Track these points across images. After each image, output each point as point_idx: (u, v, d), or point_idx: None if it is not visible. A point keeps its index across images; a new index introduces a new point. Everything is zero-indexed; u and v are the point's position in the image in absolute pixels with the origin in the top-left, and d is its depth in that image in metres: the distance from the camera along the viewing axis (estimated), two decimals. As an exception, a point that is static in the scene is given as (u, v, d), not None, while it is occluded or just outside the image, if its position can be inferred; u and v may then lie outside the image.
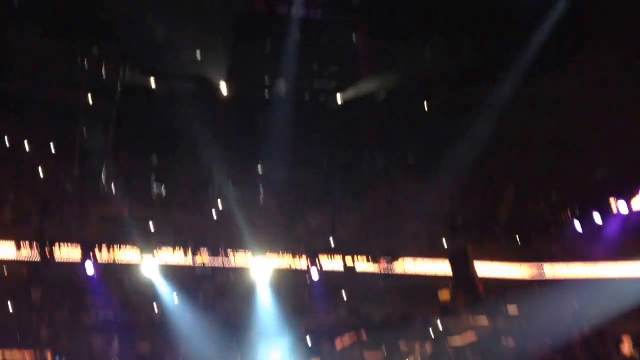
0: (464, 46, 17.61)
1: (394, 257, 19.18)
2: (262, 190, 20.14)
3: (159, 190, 19.03)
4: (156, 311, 17.86)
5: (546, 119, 18.27)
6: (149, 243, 17.96)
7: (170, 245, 18.25)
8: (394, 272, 18.94)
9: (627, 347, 15.99)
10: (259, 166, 20.07)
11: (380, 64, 18.63)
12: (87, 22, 16.24)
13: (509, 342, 16.98)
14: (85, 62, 16.06)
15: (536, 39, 16.37)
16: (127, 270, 17.65)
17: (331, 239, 19.83)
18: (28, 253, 16.71)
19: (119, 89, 16.79)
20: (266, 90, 18.45)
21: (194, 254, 18.28)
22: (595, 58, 16.63)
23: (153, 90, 17.12)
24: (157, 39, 16.87)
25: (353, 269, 18.48)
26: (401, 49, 18.82)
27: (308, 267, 18.50)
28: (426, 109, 18.14)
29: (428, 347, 17.04)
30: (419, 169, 20.45)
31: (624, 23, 15.83)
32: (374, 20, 19.49)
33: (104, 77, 16.29)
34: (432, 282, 19.26)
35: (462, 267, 18.88)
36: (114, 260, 17.42)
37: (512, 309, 18.06)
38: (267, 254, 18.35)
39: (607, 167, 17.75)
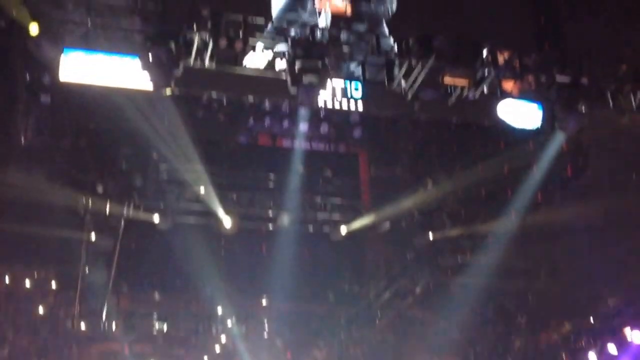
0: (467, 177, 17.72)
1: (404, 391, 18.66)
2: (266, 324, 19.81)
3: (160, 326, 18.71)
4: None
5: (554, 247, 18.15)
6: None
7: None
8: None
9: None
10: (263, 299, 19.84)
11: (383, 195, 18.68)
12: (90, 161, 16.53)
13: None
14: (89, 200, 16.15)
15: (537, 168, 16.48)
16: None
17: (338, 373, 19.36)
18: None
19: (122, 225, 16.84)
20: (270, 223, 18.39)
21: (197, 391, 17.84)
22: (597, 183, 16.69)
23: (156, 225, 17.11)
24: (160, 175, 17.08)
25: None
26: (404, 179, 19.02)
27: (315, 403, 17.99)
28: (431, 238, 18.00)
29: None
30: (427, 299, 20.17)
31: (620, 148, 16.03)
32: (376, 152, 19.80)
33: (107, 213, 16.35)
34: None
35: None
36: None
37: None
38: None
39: (620, 296, 17.42)
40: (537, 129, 13.53)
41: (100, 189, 16.16)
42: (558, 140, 15.11)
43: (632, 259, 16.64)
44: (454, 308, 19.47)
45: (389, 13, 13.51)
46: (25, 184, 15.32)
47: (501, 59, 12.63)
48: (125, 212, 16.54)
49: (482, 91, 12.91)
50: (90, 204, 16.18)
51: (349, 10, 13.38)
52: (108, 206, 16.31)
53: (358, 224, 18.10)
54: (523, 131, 14.17)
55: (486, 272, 18.54)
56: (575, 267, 18.12)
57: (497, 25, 14.59)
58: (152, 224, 17.07)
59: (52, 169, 15.89)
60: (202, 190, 17.06)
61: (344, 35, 12.99)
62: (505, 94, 13.24)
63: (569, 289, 18.56)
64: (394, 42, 12.98)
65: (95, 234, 16.62)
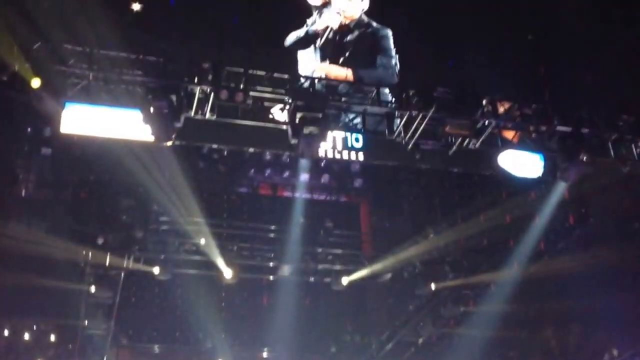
0: (469, 226, 17.68)
1: None
2: (267, 377, 19.60)
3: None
4: None
5: (557, 297, 17.99)
6: None
7: None
8: None
9: None
10: (265, 351, 19.62)
11: (385, 245, 18.61)
12: (91, 213, 16.50)
13: None
14: (89, 252, 16.09)
15: (539, 217, 16.42)
16: None
17: None
18: None
19: (122, 277, 16.75)
20: (270, 274, 18.27)
21: None
22: (600, 232, 16.61)
23: (156, 276, 17.01)
24: (161, 226, 17.05)
25: None
26: (405, 229, 18.96)
27: None
28: (433, 289, 17.85)
29: None
30: (429, 351, 19.93)
31: (622, 197, 16.03)
32: (377, 202, 19.79)
33: (107, 265, 16.25)
34: None
35: None
36: None
37: None
38: None
39: (624, 346, 17.22)
40: (539, 178, 13.47)
41: (100, 241, 16.08)
42: (560, 189, 15.07)
43: (636, 308, 16.49)
44: (457, 359, 19.24)
45: (395, 77, 13.52)
46: (25, 236, 15.27)
47: (501, 109, 12.67)
48: (125, 263, 16.45)
49: (483, 141, 12.89)
50: (90, 256, 16.11)
51: (349, 77, 13.37)
52: (108, 258, 16.23)
53: (359, 274, 17.97)
54: (524, 180, 14.14)
55: (489, 323, 18.38)
56: (578, 316, 17.95)
57: (497, 75, 14.68)
58: (152, 275, 16.96)
59: (53, 221, 15.84)
60: (202, 241, 17.00)
61: (343, 88, 13.05)
62: (506, 144, 13.23)
63: (573, 339, 18.37)
64: (394, 93, 13.03)
65: (95, 286, 16.52)
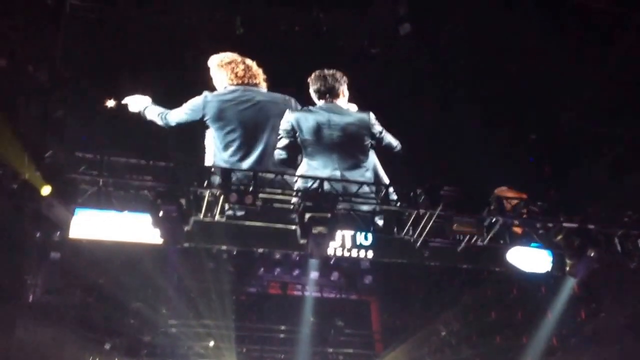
0: (480, 323, 17.53)
1: None
2: None
3: None
4: None
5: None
6: None
7: None
8: None
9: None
10: None
11: (396, 343, 18.41)
12: (99, 317, 16.44)
13: None
14: (96, 359, 15.94)
15: (551, 313, 16.29)
16: None
17: None
18: None
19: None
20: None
21: None
22: (612, 327, 16.42)
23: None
24: (169, 329, 16.95)
25: None
26: (416, 327, 18.80)
27: None
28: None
29: None
30: None
31: (631, 291, 15.94)
32: (388, 299, 19.68)
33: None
34: None
35: None
36: None
37: None
38: None
39: None
40: (548, 272, 13.41)
41: (107, 346, 15.95)
42: (569, 284, 14.99)
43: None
44: None
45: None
46: (32, 343, 15.13)
47: (508, 206, 12.70)
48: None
49: (491, 237, 12.88)
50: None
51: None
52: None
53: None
54: (534, 276, 14.07)
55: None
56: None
57: (503, 174, 14.83)
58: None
59: (59, 327, 15.74)
60: (211, 343, 16.86)
61: (352, 188, 13.10)
62: (514, 240, 13.21)
63: None
64: (402, 192, 13.10)
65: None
